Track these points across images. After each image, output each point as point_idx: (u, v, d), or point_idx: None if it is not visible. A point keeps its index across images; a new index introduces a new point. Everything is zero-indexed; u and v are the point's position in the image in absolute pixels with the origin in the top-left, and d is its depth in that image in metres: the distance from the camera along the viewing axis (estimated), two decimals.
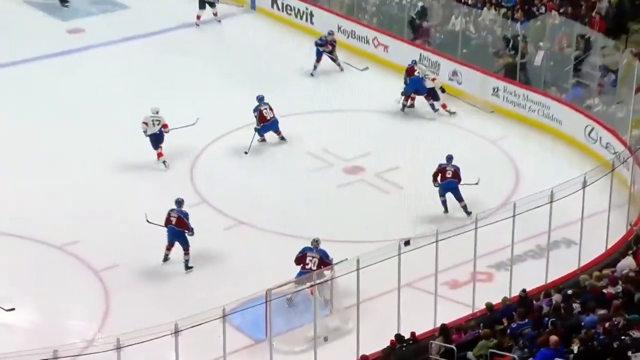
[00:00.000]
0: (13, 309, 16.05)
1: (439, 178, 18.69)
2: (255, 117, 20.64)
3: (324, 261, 15.95)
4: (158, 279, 17.00)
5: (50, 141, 20.77)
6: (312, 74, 24.01)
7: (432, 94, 22.28)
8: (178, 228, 17.04)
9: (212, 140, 21.01)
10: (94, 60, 24.63)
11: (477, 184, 18.51)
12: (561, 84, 22.17)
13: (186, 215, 17.16)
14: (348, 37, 25.34)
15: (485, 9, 24.13)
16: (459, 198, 18.63)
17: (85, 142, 20.80)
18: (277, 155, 20.69)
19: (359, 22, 25.42)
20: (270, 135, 20.98)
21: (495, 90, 22.66)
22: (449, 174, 18.63)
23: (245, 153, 20.54)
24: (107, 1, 27.70)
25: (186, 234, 17.11)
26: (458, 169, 18.62)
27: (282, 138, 21.03)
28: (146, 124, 19.97)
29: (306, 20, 26.32)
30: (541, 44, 22.63)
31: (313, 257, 16.04)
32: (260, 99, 20.77)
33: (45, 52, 24.64)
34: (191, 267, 17.20)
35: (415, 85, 22.24)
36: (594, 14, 22.99)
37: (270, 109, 20.72)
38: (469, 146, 21.22)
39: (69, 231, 17.88)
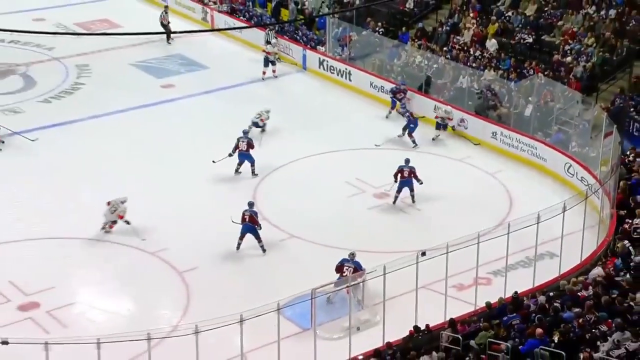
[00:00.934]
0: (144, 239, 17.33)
1: (399, 177, 19.08)
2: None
3: (358, 270, 15.84)
4: (227, 279, 16.99)
5: (147, 172, 20.85)
6: (386, 117, 23.73)
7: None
8: (250, 223, 17.38)
9: (271, 171, 20.98)
10: (182, 108, 24.79)
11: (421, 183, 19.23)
12: (546, 130, 21.97)
13: (256, 214, 17.61)
14: (378, 91, 25.29)
15: (486, 70, 24.05)
16: (412, 189, 19.10)
17: (174, 171, 20.90)
18: (321, 183, 20.60)
19: (387, 79, 25.37)
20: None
21: (494, 134, 22.48)
22: (406, 174, 18.99)
23: (213, 162, 20.35)
24: (192, 63, 27.88)
25: (257, 228, 17.44)
26: (414, 168, 19.04)
27: (238, 171, 20.39)
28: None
29: (345, 77, 26.32)
30: (530, 98, 22.46)
31: (349, 267, 15.90)
32: (245, 132, 20.69)
33: (143, 103, 24.81)
34: (265, 250, 17.58)
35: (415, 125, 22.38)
36: (571, 76, 22.85)
37: (248, 144, 20.26)
38: (473, 178, 21.08)
39: (160, 240, 17.95)
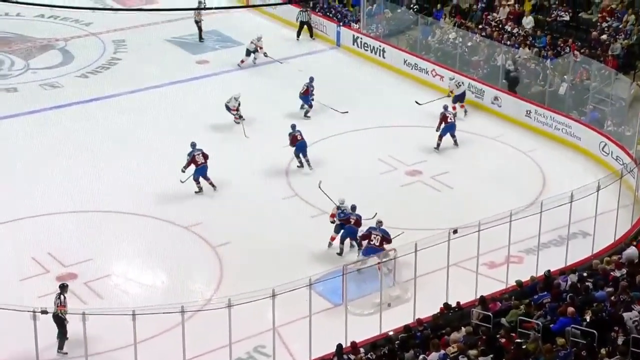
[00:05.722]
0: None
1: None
2: (188, 160, 18.76)
3: (385, 238, 15.78)
4: (260, 254, 16.96)
5: (182, 147, 20.79)
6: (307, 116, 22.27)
7: None
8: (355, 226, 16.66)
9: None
10: (216, 84, 24.72)
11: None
12: (581, 108, 21.67)
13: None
14: (412, 68, 25.11)
15: (521, 48, 23.73)
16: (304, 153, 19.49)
17: (208, 147, 20.90)
18: (353, 159, 20.51)
19: (421, 56, 25.16)
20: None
21: (528, 112, 22.22)
22: (299, 137, 19.50)
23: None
24: (227, 39, 27.87)
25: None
26: (296, 130, 19.47)
27: (201, 189, 18.81)
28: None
29: (379, 55, 26.15)
30: (565, 77, 22.14)
31: (376, 235, 15.89)
32: (194, 145, 18.94)
33: (179, 78, 24.86)
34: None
35: (448, 129, 20.79)
36: (609, 53, 22.45)
37: (203, 155, 18.77)
38: (507, 156, 20.88)
39: (193, 215, 18.05)
